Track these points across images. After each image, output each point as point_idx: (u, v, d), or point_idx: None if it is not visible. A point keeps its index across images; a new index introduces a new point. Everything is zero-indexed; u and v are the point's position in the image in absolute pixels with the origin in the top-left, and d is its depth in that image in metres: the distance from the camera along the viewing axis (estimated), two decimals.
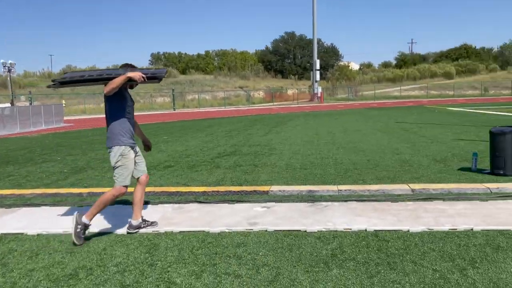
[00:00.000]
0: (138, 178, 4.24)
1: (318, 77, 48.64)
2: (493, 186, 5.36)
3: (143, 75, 3.91)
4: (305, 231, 4.06)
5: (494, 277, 2.96)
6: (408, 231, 3.95)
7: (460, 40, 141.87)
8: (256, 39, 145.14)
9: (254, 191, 5.66)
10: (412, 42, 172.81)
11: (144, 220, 4.28)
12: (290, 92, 56.06)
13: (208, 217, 4.57)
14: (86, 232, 4.05)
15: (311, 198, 5.31)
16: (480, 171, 6.50)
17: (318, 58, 50.07)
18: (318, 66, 48.79)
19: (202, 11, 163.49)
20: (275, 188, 5.74)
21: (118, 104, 4.07)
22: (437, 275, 3.04)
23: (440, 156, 8.08)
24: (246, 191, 5.69)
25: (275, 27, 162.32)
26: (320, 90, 48.84)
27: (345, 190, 5.54)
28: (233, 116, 26.35)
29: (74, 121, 26.76)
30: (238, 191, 5.69)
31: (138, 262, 3.48)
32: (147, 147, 4.65)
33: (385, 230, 3.99)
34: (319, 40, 67.00)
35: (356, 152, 9.04)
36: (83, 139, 14.35)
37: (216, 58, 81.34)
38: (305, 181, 6.25)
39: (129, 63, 4.26)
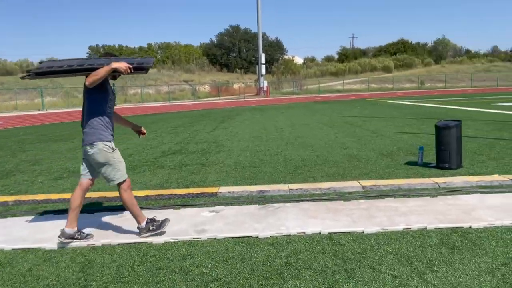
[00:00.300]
0: (83, 179, 3.84)
1: (263, 71, 48.71)
2: (440, 180, 5.39)
3: (129, 66, 3.59)
4: (257, 237, 3.80)
5: (454, 281, 2.86)
6: (363, 232, 3.80)
7: (397, 35, 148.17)
8: (200, 32, 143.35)
9: (202, 193, 5.33)
10: (353, 37, 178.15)
11: (79, 231, 3.84)
12: (236, 86, 55.79)
13: None
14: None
15: (262, 199, 5.06)
16: (426, 165, 6.57)
17: (263, 52, 50.11)
18: (263, 60, 48.84)
19: (143, 1, 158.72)
20: (224, 189, 5.44)
21: (99, 97, 3.72)
22: (397, 281, 2.89)
23: (386, 150, 8.14)
24: (193, 193, 5.34)
25: (220, 20, 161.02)
26: (266, 84, 48.96)
27: (296, 189, 5.35)
28: (179, 111, 25.66)
29: (4, 119, 24.84)
30: (184, 194, 5.33)
31: (69, 284, 3.05)
32: (139, 132, 4.36)
33: (340, 233, 3.82)
34: (264, 34, 67.20)
35: (305, 147, 8.94)
36: (12, 139, 13.23)
37: (159, 51, 79.24)
38: (255, 180, 6.01)
39: (110, 51, 3.79)
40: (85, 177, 3.86)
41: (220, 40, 79.55)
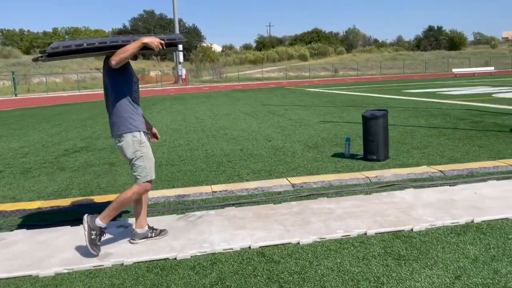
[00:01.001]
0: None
1: (181, 58, 47.17)
2: (371, 175, 5.11)
3: (161, 41, 3.16)
4: (175, 259, 3.14)
5: None
6: (299, 243, 3.31)
7: (311, 25, 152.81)
8: (112, 17, 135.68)
9: (109, 202, 4.50)
10: (269, 25, 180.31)
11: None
12: (153, 74, 53.55)
13: (40, 251, 3.33)
14: (102, 238, 3.26)
15: (182, 206, 4.39)
16: (353, 156, 6.32)
17: None
18: (180, 47, 47.12)
19: None
20: None
21: (123, 80, 3.23)
22: None
23: (311, 141, 7.83)
24: (97, 203, 4.51)
25: (133, 5, 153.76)
26: (184, 72, 47.51)
27: (220, 191, 4.74)
28: (89, 101, 23.73)
29: None
30: (87, 204, 4.48)
31: None
32: (153, 135, 3.74)
33: (273, 245, 3.30)
34: (180, 20, 65.10)
35: (228, 140, 8.35)
36: None
37: (66, 37, 73.55)
38: (173, 182, 5.30)
39: (125, 29, 2.95)
40: None
41: (134, 26, 75.78)
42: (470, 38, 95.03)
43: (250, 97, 21.81)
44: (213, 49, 71.32)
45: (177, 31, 47.41)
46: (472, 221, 3.57)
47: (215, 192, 4.73)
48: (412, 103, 14.13)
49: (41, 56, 3.06)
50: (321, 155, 6.53)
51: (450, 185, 4.58)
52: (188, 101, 20.85)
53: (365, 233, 3.44)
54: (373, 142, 5.91)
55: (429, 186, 4.65)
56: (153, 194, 4.70)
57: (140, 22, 76.05)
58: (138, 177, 3.29)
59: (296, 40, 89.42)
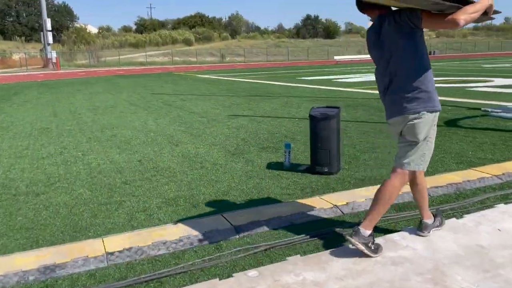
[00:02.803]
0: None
1: (50, 39, 41.32)
2: (339, 201, 3.67)
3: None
4: None
5: None
6: None
7: (193, 9, 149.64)
8: None
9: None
10: (150, 7, 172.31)
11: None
12: (16, 56, 46.47)
13: None
14: None
15: None
16: (295, 167, 4.85)
17: (48, 17, 42.40)
18: (49, 27, 41.32)
19: None
20: None
21: (423, 44, 2.62)
22: None
23: (231, 145, 6.20)
24: None
25: None
26: (54, 55, 41.83)
27: (120, 252, 2.87)
28: None
29: None
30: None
31: None
32: None
33: None
34: None
35: (119, 145, 6.29)
36: None
37: None
38: (35, 232, 3.25)
39: None
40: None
41: None
42: (343, 27, 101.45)
43: (137, 84, 19.25)
44: (88, 30, 64.67)
45: (44, 8, 41.35)
46: None
47: (112, 254, 2.84)
48: (318, 92, 13.29)
49: None
50: (253, 167, 4.94)
51: (452, 216, 3.34)
52: (61, 89, 17.56)
53: None
54: (324, 150, 4.49)
55: (414, 216, 3.36)
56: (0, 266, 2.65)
57: None
58: (410, 163, 2.72)
59: (179, 24, 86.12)
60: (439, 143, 5.69)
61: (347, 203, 3.61)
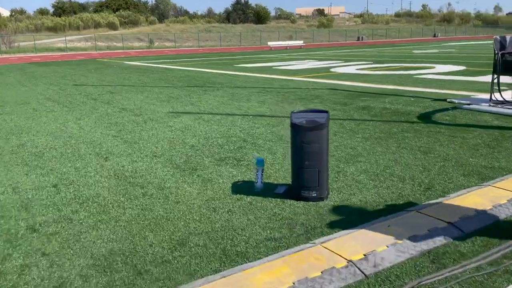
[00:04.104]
0: None
1: None
2: (353, 253, 2.58)
3: None
4: None
5: None
6: None
7: None
8: None
9: None
10: None
11: None
12: None
13: None
14: None
15: None
16: (271, 189, 3.71)
17: None
18: None
19: None
20: None
21: None
22: None
23: (178, 155, 4.91)
24: None
25: None
26: None
27: None
28: None
29: None
30: None
31: None
32: None
33: None
34: None
35: (28, 162, 4.74)
36: None
37: None
38: None
39: None
40: None
41: None
42: (273, 13, 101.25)
43: (55, 73, 16.92)
44: None
45: None
46: None
47: None
48: (264, 82, 12.20)
49: None
50: (214, 191, 3.73)
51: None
52: None
53: None
54: (312, 169, 3.39)
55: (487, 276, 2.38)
56: None
57: None
58: None
59: (102, 6, 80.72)
60: (429, 146, 4.84)
61: (364, 255, 2.54)
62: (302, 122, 3.35)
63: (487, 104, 7.06)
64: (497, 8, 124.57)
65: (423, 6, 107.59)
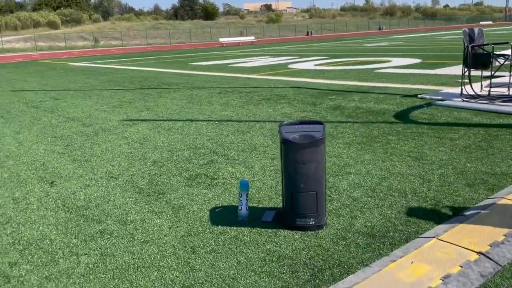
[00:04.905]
0: None
1: None
2: None
3: None
4: None
5: None
6: None
7: None
8: None
9: None
10: None
11: None
12: None
13: None
14: None
15: None
16: (256, 216, 3.13)
17: None
18: None
19: None
20: None
21: None
22: None
23: (139, 174, 4.22)
24: None
25: None
26: None
27: None
28: None
29: None
30: None
31: None
32: None
33: None
34: None
35: None
36: None
37: None
38: None
39: None
40: None
41: None
42: (221, 8, 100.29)
43: None
44: None
45: None
46: None
47: None
48: (222, 81, 11.55)
49: None
50: (189, 222, 3.10)
51: None
52: None
53: None
54: (309, 192, 2.84)
55: None
56: None
57: None
58: None
59: (41, 4, 76.44)
60: (418, 151, 4.43)
61: None
62: (295, 137, 2.79)
63: (460, 99, 6.84)
64: (435, 1, 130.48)
65: (366, 0, 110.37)
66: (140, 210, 3.34)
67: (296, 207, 2.87)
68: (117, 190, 3.79)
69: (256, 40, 46.11)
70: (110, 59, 25.13)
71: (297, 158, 2.78)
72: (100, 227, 3.08)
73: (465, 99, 6.80)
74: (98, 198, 3.64)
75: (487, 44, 6.97)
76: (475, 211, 2.99)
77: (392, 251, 2.56)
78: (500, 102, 6.49)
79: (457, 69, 11.35)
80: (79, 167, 4.51)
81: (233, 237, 2.86)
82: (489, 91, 6.92)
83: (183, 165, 4.39)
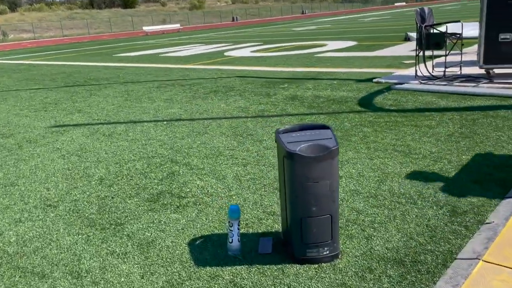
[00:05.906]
0: None
1: None
2: None
3: None
4: None
5: None
6: None
7: None
8: None
9: None
10: None
11: None
12: None
13: None
14: None
15: None
16: (251, 248, 2.50)
17: None
18: None
19: None
20: None
21: None
22: None
23: (87, 200, 3.39)
24: None
25: None
26: None
27: None
28: None
29: None
30: None
31: None
32: None
33: None
34: None
35: None
36: None
37: None
38: None
39: None
40: None
41: None
42: None
43: None
44: None
45: None
46: None
47: None
48: (158, 73, 10.59)
49: None
50: (163, 264, 2.40)
51: None
52: None
53: None
54: (322, 216, 2.25)
55: None
56: None
57: None
58: None
59: None
60: (402, 143, 4.03)
61: None
62: (303, 149, 2.18)
63: (417, 82, 6.63)
64: None
65: None
66: (97, 253, 2.57)
67: (307, 236, 2.28)
68: (59, 225, 2.96)
69: (182, 27, 44.53)
70: (23, 54, 22.72)
71: (308, 174, 2.18)
72: (46, 285, 2.28)
73: (422, 81, 6.60)
74: (36, 238, 2.80)
75: (439, 24, 6.82)
76: (503, 217, 2.60)
77: (435, 284, 2.07)
78: (458, 82, 6.36)
79: (396, 50, 11.37)
80: (3, 194, 3.56)
81: (230, 282, 2.21)
82: (444, 71, 6.77)
83: (138, 182, 3.62)
